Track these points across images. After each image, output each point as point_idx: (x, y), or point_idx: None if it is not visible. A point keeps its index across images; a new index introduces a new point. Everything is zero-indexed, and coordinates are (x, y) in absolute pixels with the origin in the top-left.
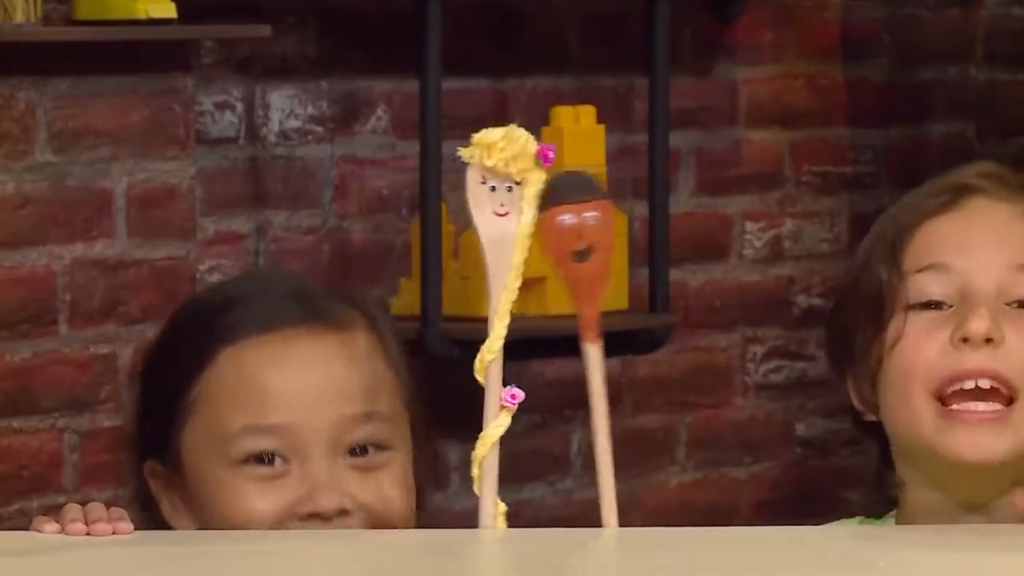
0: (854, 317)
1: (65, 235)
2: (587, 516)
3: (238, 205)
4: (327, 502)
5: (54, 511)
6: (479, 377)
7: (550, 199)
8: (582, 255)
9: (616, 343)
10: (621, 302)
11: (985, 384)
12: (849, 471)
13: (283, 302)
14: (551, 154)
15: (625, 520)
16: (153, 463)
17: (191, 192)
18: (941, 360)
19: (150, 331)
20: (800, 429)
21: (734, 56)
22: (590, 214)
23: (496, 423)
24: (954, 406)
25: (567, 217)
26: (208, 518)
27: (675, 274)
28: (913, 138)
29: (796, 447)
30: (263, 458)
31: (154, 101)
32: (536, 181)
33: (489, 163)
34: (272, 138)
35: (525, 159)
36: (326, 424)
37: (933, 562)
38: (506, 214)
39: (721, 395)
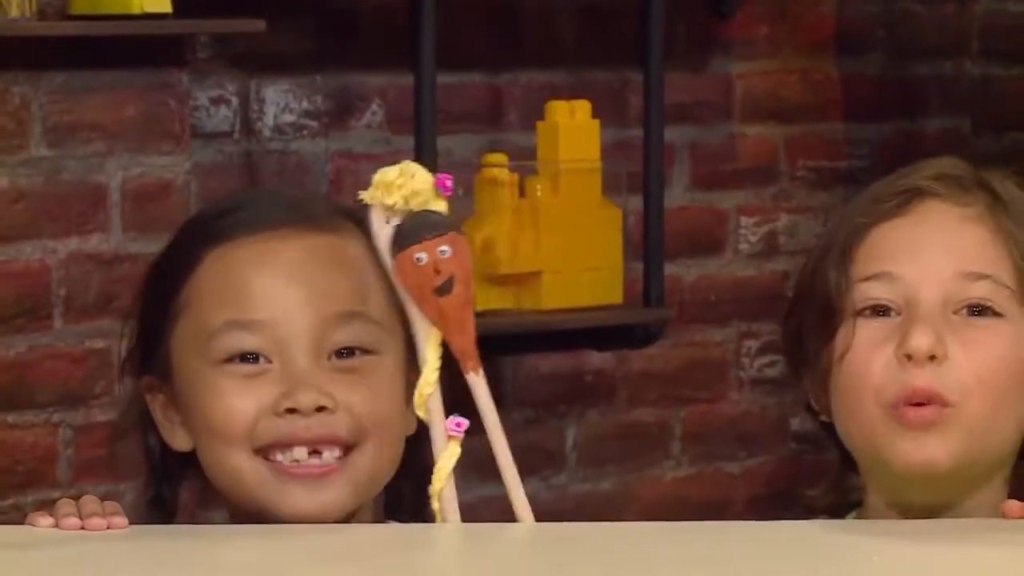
0: (806, 319)
1: (60, 229)
2: (582, 510)
3: None
4: (305, 397)
5: (48, 505)
6: (420, 413)
7: (401, 242)
8: (443, 289)
9: (611, 337)
10: (616, 297)
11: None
12: None
13: (273, 207)
14: (449, 183)
15: (619, 514)
16: (150, 378)
17: (186, 187)
18: (887, 375)
19: None
20: (795, 424)
21: (729, 51)
22: (444, 247)
23: (446, 454)
24: (896, 412)
25: (422, 255)
26: (193, 423)
27: (670, 269)
28: (908, 133)
29: (791, 442)
30: (246, 357)
31: (149, 96)
32: (441, 210)
33: (390, 202)
34: (267, 133)
35: (425, 193)
36: (309, 322)
37: (927, 555)
38: None
39: (716, 390)
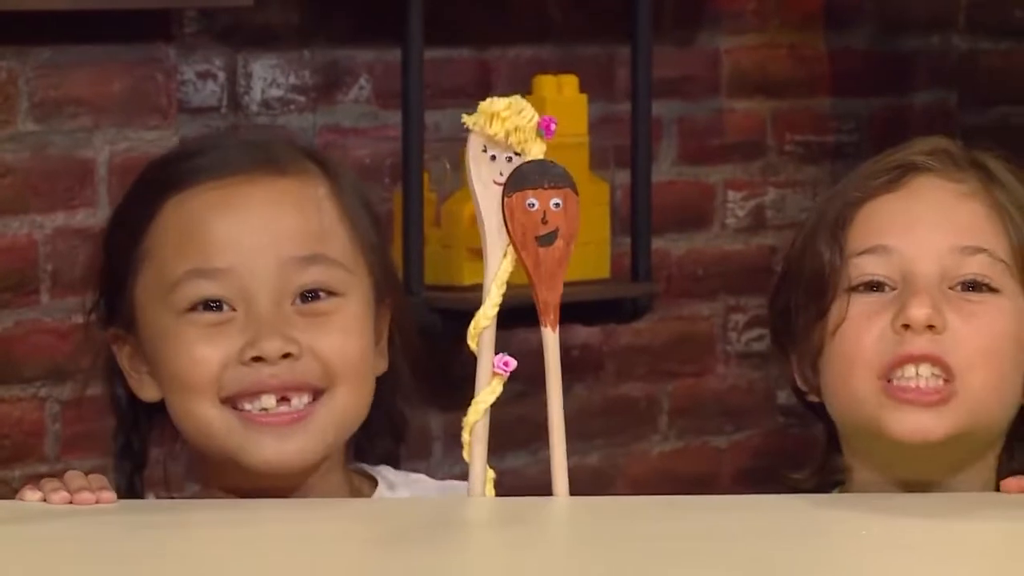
0: (796, 297)
1: (47, 204)
2: (571, 485)
3: None
4: (270, 345)
5: (35, 480)
6: (471, 344)
7: (517, 184)
8: (545, 240)
9: (598, 312)
10: (603, 271)
11: (926, 371)
12: None
13: (235, 151)
14: (553, 126)
15: (607, 488)
16: (116, 329)
17: None
18: (882, 346)
19: None
20: (782, 397)
21: (717, 25)
22: (557, 200)
23: (488, 389)
24: (895, 383)
25: (534, 202)
26: (160, 374)
27: (657, 243)
28: (896, 107)
29: (778, 416)
30: (209, 305)
31: (136, 70)
32: (537, 153)
33: (491, 132)
34: (254, 107)
35: (527, 131)
36: (270, 267)
37: (916, 530)
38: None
39: (703, 364)
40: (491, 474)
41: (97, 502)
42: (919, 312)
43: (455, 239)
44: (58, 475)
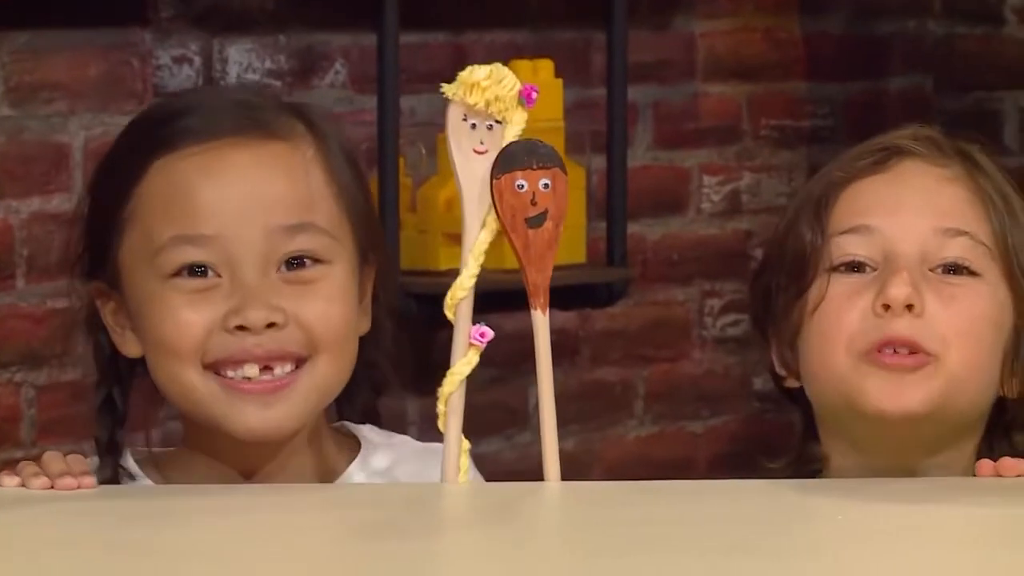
0: (777, 278)
1: (22, 189)
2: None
3: None
4: (255, 314)
5: (11, 465)
6: (448, 314)
7: (506, 165)
8: (535, 221)
9: (574, 297)
10: (579, 256)
11: (904, 352)
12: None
13: (222, 113)
14: (534, 95)
15: (583, 474)
16: (98, 283)
17: None
18: (862, 325)
19: None
20: (757, 383)
21: (692, 9)
22: (546, 180)
23: (464, 360)
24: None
25: (523, 183)
26: (143, 335)
27: (633, 228)
28: (871, 92)
29: (753, 401)
30: (195, 271)
31: (112, 55)
32: (518, 121)
33: (471, 101)
34: None
35: (508, 100)
36: (257, 235)
37: (891, 514)
38: (485, 151)
39: (679, 349)
40: (466, 444)
41: (79, 487)
42: (899, 291)
43: (431, 224)
44: (36, 459)
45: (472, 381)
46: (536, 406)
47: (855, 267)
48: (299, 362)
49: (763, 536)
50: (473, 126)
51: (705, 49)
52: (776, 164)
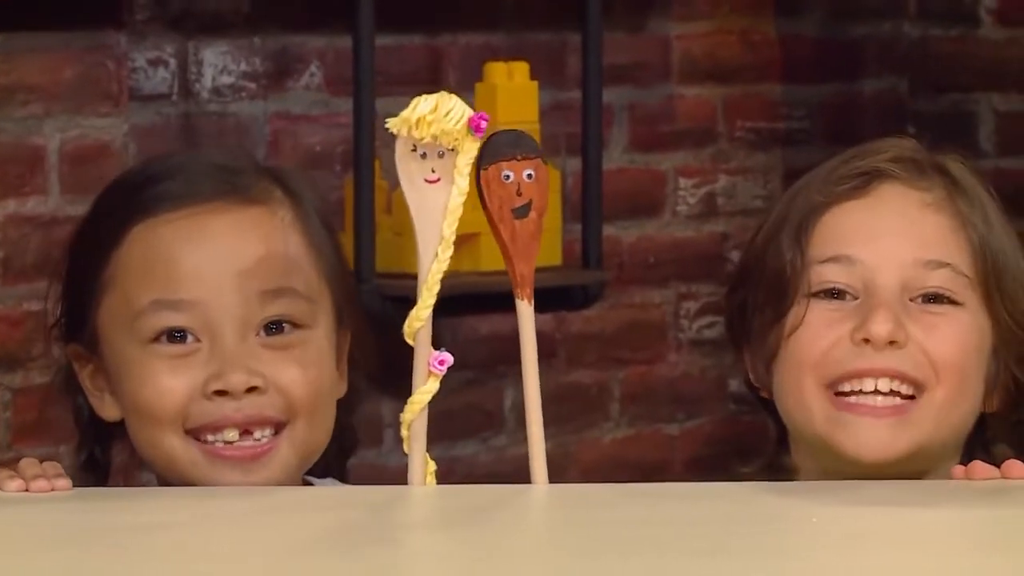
0: (755, 296)
1: None
2: (520, 472)
3: None
4: (235, 378)
5: None
6: (409, 341)
7: (492, 156)
8: (520, 212)
9: (549, 299)
10: (554, 258)
11: (885, 385)
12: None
13: (201, 178)
14: (484, 123)
15: (559, 476)
16: (75, 346)
17: (124, 149)
18: (838, 354)
19: None
20: (733, 385)
21: (667, 11)
22: (530, 171)
23: (424, 388)
24: (851, 399)
25: (510, 174)
26: (123, 400)
27: (608, 230)
28: (846, 94)
29: (729, 403)
30: (174, 336)
31: (87, 57)
32: (469, 150)
33: (418, 136)
34: (205, 95)
35: (456, 132)
36: (236, 300)
37: (865, 517)
38: (437, 180)
39: (655, 351)
40: (432, 466)
41: (52, 490)
42: (881, 328)
43: (406, 227)
44: (11, 463)
45: (447, 384)
46: (512, 408)
47: (835, 294)
48: (278, 427)
49: (744, 538)
50: (423, 155)
51: (680, 51)
52: (751, 166)
